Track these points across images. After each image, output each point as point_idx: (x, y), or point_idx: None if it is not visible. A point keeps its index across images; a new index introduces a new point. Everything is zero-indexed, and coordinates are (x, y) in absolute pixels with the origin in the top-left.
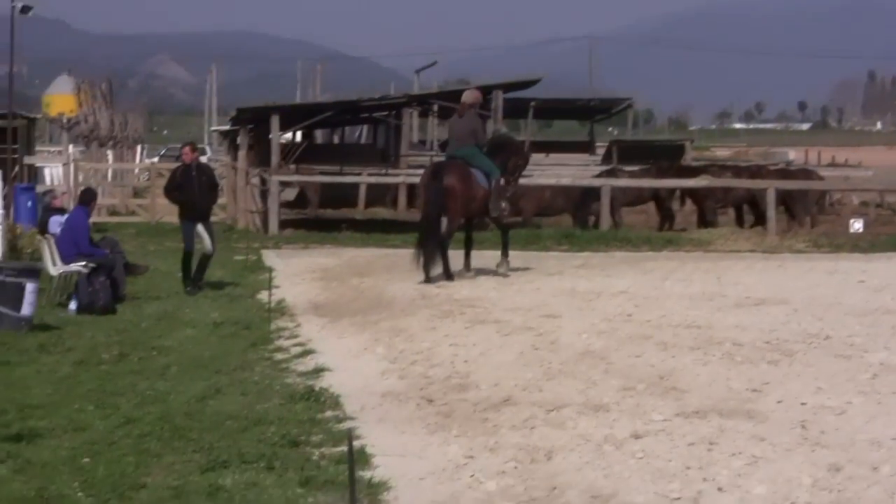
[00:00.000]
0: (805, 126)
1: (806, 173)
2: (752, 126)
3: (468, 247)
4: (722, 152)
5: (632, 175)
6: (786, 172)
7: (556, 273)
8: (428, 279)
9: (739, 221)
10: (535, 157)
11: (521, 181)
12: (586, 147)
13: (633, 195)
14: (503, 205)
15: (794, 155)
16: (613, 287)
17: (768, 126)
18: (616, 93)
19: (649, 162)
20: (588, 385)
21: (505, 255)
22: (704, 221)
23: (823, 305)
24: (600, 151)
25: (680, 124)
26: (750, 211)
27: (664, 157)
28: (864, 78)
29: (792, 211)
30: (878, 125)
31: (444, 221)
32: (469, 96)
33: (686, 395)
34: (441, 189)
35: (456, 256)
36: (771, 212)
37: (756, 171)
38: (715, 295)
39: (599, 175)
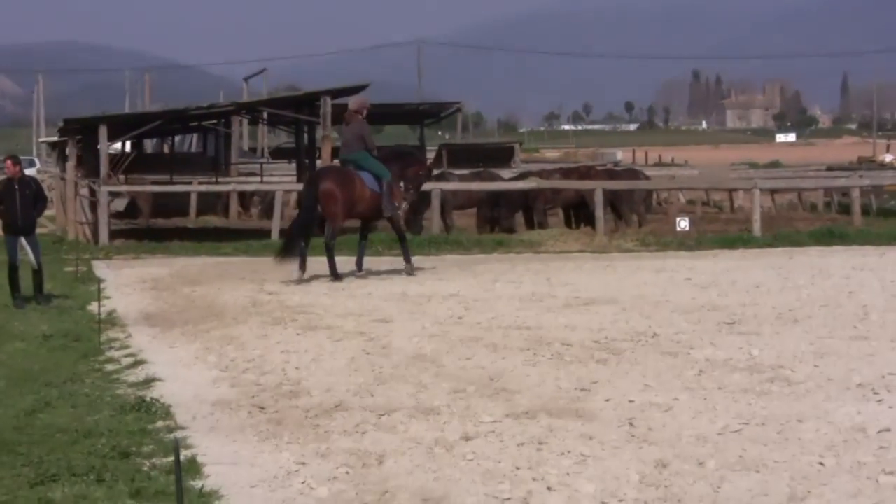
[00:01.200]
0: (632, 126)
1: (633, 173)
2: (580, 127)
3: (360, 247)
4: (551, 154)
5: (462, 178)
6: (613, 173)
7: (388, 277)
8: (301, 279)
9: (568, 222)
10: None
11: None
12: (417, 151)
13: (463, 198)
14: (396, 205)
15: (622, 155)
16: (444, 290)
17: (596, 127)
18: (446, 97)
19: (479, 165)
20: (419, 389)
21: (406, 259)
22: (533, 223)
23: (651, 304)
24: (430, 155)
25: (509, 127)
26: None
27: (494, 159)
28: (689, 78)
29: (619, 211)
30: (704, 124)
31: (327, 225)
32: (354, 103)
33: (516, 396)
34: (314, 193)
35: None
36: (599, 212)
37: (584, 172)
38: (545, 296)
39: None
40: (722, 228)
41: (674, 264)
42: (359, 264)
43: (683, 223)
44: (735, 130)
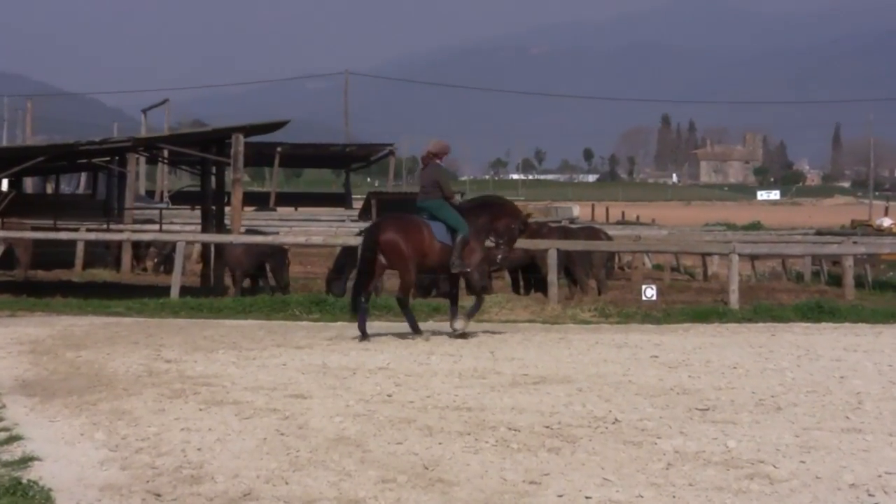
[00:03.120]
0: (591, 177)
1: (591, 232)
2: (531, 177)
3: (451, 304)
4: None
5: None
6: (568, 231)
7: (306, 346)
8: (363, 335)
9: (516, 287)
10: (283, 212)
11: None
12: (342, 199)
13: None
14: (466, 263)
15: (578, 211)
16: (371, 362)
17: (550, 177)
18: (376, 138)
19: None
20: (341, 476)
21: (466, 314)
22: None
23: (611, 384)
24: (357, 205)
25: (449, 175)
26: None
27: None
28: (657, 123)
29: (575, 275)
30: (674, 177)
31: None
32: (433, 145)
33: (454, 489)
34: (373, 244)
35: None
36: (552, 276)
37: (535, 230)
38: (488, 371)
39: (359, 233)
40: (694, 299)
41: (638, 339)
42: (451, 320)
43: (649, 292)
44: (710, 185)
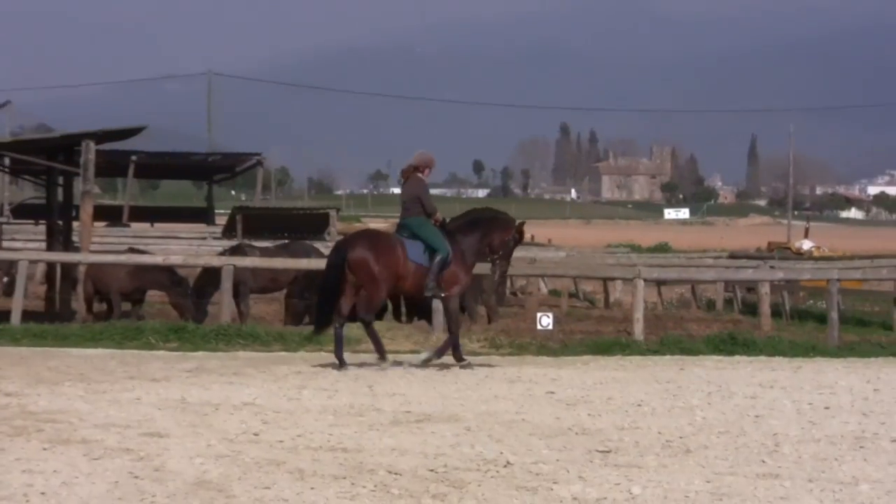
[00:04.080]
0: (482, 192)
1: None
2: None
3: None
4: (377, 224)
5: (264, 253)
6: None
7: (163, 379)
8: (341, 363)
9: (398, 314)
10: (137, 228)
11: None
12: (203, 215)
13: (265, 279)
14: (442, 287)
15: None
16: (236, 397)
17: (436, 192)
18: (243, 147)
19: (285, 236)
20: None
21: (439, 351)
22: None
23: (503, 423)
24: (220, 221)
25: (323, 188)
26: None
27: (303, 229)
28: (556, 134)
29: (463, 301)
30: (573, 193)
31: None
32: (416, 158)
33: None
34: (340, 262)
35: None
36: (437, 303)
37: None
38: (366, 409)
39: (222, 253)
40: (594, 328)
41: (532, 373)
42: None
43: (545, 320)
44: (613, 202)
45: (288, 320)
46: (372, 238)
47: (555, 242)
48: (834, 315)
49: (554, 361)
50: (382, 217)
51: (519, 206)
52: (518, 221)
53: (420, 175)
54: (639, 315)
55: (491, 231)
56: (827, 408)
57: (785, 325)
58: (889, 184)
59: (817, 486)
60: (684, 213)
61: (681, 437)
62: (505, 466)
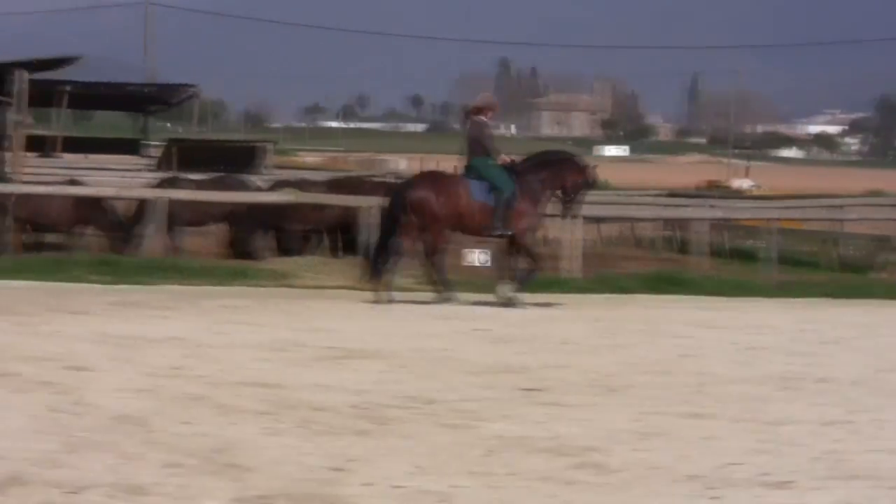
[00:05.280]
0: (420, 127)
1: None
2: (352, 125)
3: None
4: (313, 159)
5: (199, 186)
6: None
7: (86, 312)
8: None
9: (334, 249)
10: (71, 159)
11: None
12: (138, 146)
13: (197, 212)
14: (510, 226)
15: (405, 164)
16: (160, 331)
17: (373, 126)
18: (181, 78)
19: (220, 169)
20: (121, 459)
21: (518, 284)
22: (285, 248)
23: (430, 360)
24: (155, 153)
25: (259, 121)
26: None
27: (238, 162)
28: (496, 69)
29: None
30: (512, 129)
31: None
32: (480, 99)
33: (249, 475)
34: (399, 205)
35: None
36: (371, 238)
37: (356, 185)
38: (292, 344)
39: (156, 185)
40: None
41: (463, 311)
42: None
43: (482, 257)
44: (552, 139)
45: (224, 254)
46: (433, 179)
47: None
48: (771, 254)
49: (480, 297)
50: (319, 151)
51: (457, 141)
52: (592, 165)
53: (482, 118)
54: (576, 252)
55: (562, 172)
56: (754, 348)
57: (723, 265)
58: (829, 123)
59: (742, 426)
60: (623, 151)
61: (607, 376)
62: (429, 404)
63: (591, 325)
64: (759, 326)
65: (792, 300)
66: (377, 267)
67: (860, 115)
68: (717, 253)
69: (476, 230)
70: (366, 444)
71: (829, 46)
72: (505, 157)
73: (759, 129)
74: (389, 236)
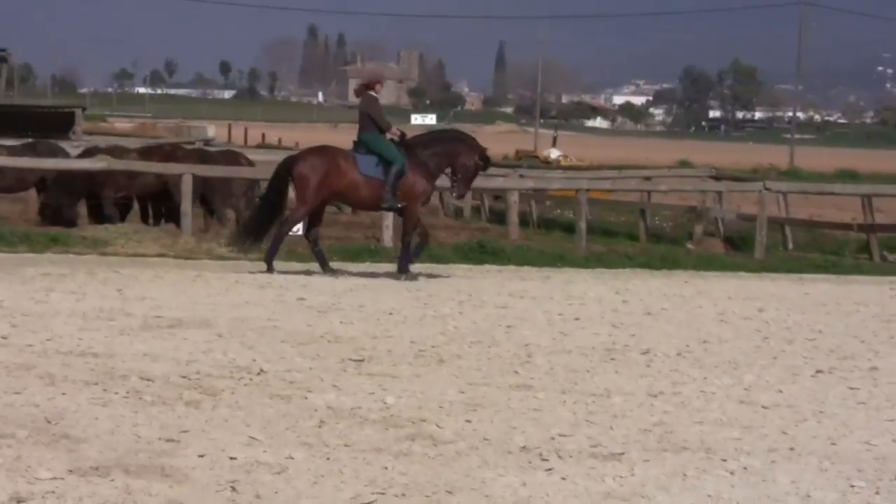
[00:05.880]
0: (228, 94)
1: (231, 156)
2: (160, 91)
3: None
4: (122, 125)
5: (10, 152)
6: (206, 154)
7: None
8: (269, 268)
9: (145, 216)
10: None
11: None
12: None
13: (9, 178)
14: (398, 199)
15: (214, 131)
16: None
17: (182, 92)
18: None
19: (29, 134)
20: None
21: (401, 268)
22: (100, 215)
23: (255, 329)
24: None
25: (67, 86)
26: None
27: (48, 128)
28: (304, 36)
29: (211, 205)
30: (320, 96)
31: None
32: (365, 76)
33: (82, 446)
34: (283, 176)
35: None
36: (186, 205)
37: (169, 152)
38: (116, 312)
39: None
40: (343, 234)
41: (283, 280)
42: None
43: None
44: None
45: (41, 222)
46: (320, 153)
47: (301, 146)
48: (582, 225)
49: (303, 267)
50: (127, 116)
51: (266, 108)
52: (483, 147)
53: (371, 92)
54: (387, 222)
55: (454, 150)
56: (577, 319)
57: (532, 234)
58: (634, 94)
59: (570, 397)
60: (431, 119)
61: (433, 347)
62: (258, 374)
63: (412, 295)
64: (578, 297)
65: (604, 270)
66: (251, 235)
67: (665, 86)
68: (525, 222)
69: (364, 204)
70: (198, 415)
71: (635, 18)
72: (396, 131)
73: (565, 99)
74: (271, 207)
